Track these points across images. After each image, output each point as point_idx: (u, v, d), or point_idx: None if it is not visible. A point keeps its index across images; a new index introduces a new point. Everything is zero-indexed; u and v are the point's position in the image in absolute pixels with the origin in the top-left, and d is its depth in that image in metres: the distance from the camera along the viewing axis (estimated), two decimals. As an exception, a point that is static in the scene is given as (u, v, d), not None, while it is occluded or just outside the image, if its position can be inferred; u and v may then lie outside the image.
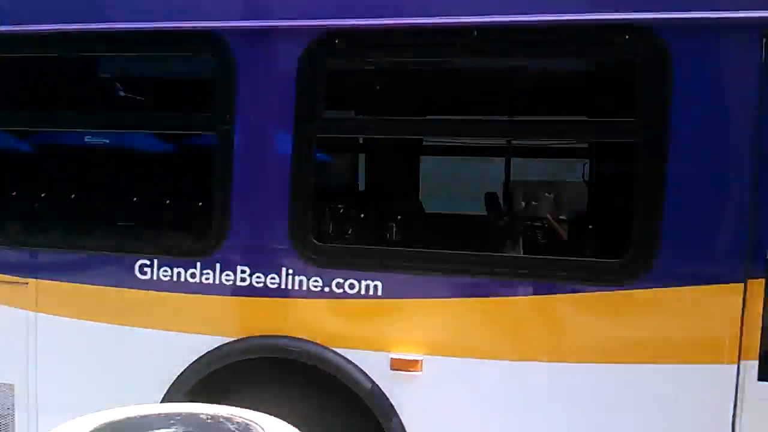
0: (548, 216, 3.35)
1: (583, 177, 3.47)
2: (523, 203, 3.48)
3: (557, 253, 3.03)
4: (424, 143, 3.56)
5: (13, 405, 3.33)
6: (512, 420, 2.81)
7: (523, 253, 3.14)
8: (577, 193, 3.37)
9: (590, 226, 3.25)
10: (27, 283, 3.27)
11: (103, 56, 3.28)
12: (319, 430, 2.94)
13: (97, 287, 3.20)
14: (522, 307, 2.78)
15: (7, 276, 3.29)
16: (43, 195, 3.48)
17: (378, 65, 3.03)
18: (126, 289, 3.16)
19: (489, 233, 3.27)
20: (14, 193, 3.38)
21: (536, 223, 3.47)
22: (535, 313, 2.78)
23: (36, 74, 3.36)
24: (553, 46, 2.70)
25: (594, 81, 3.05)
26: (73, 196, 3.45)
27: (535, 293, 2.78)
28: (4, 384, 3.34)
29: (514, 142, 3.31)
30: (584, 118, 3.26)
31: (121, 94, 3.52)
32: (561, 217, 3.33)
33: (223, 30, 2.98)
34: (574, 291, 2.73)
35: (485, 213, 3.57)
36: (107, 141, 3.62)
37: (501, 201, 3.75)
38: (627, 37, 2.63)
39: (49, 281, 3.25)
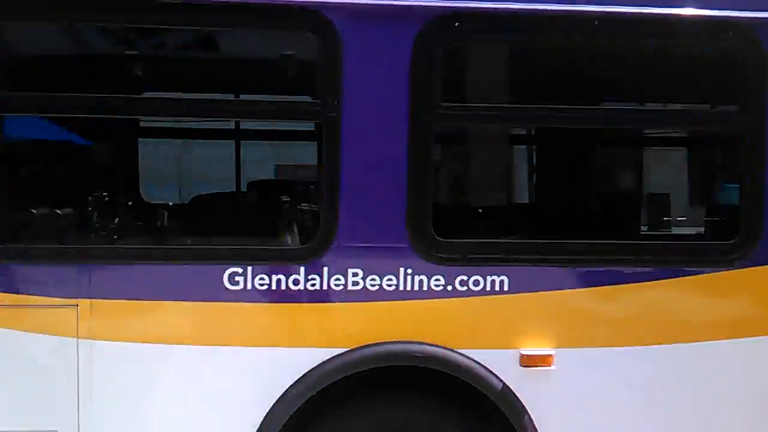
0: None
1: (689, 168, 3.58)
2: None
3: (678, 238, 3.11)
4: (543, 132, 3.46)
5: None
6: (648, 406, 2.83)
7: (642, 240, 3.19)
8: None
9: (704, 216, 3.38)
10: (76, 305, 2.69)
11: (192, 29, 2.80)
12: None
13: (171, 303, 2.72)
14: (650, 292, 2.83)
15: (48, 298, 2.68)
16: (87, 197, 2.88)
17: (498, 50, 2.91)
18: (207, 303, 2.73)
19: (609, 222, 3.27)
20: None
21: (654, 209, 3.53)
22: (664, 297, 2.84)
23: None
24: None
25: (703, 72, 3.18)
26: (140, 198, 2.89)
27: (659, 278, 2.84)
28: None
29: (629, 131, 3.32)
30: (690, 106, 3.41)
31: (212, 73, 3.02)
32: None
33: (328, 6, 2.70)
34: (695, 273, 2.83)
35: (602, 202, 3.57)
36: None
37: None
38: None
39: (106, 300, 2.70)
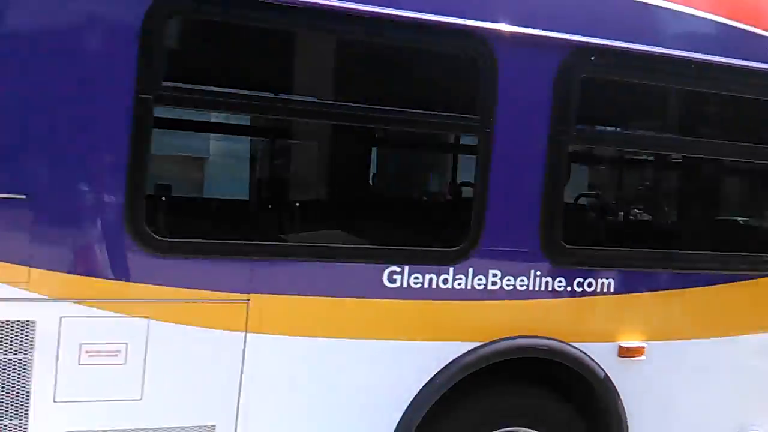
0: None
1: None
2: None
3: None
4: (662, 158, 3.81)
5: (212, 450, 2.73)
6: (723, 390, 3.38)
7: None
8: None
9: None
10: (248, 300, 2.71)
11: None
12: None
13: (333, 299, 2.84)
14: (728, 291, 3.38)
15: (218, 293, 2.68)
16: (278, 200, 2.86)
17: (626, 84, 3.28)
18: (368, 300, 2.87)
19: (700, 234, 3.73)
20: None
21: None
22: (738, 296, 3.40)
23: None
24: None
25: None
26: (310, 198, 2.89)
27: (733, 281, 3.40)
28: (204, 426, 2.72)
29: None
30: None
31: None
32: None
33: (487, 31, 2.93)
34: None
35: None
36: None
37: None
38: None
39: (274, 295, 2.75)
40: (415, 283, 2.92)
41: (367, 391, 2.91)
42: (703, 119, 3.47)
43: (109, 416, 2.60)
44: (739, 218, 3.70)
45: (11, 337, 2.48)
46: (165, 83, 2.58)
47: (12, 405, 2.51)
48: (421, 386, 2.95)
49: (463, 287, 2.99)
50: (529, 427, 3.18)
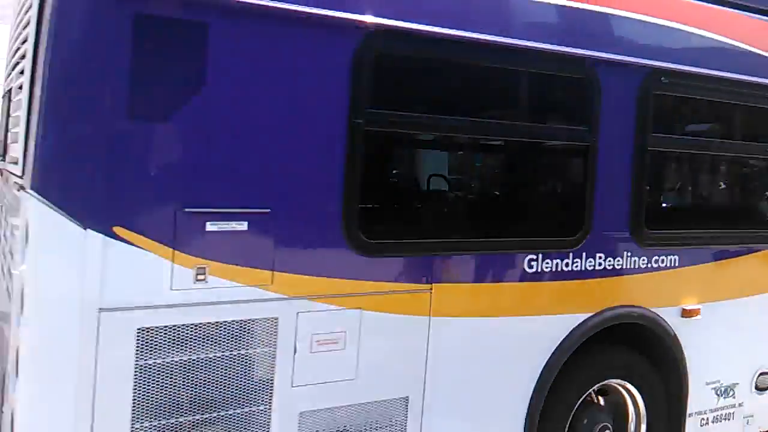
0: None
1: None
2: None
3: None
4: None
5: (406, 417, 3.21)
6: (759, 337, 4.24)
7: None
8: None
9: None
10: (431, 289, 3.21)
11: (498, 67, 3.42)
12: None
13: (492, 285, 3.40)
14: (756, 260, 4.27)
15: (401, 285, 3.15)
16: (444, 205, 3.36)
17: (689, 99, 4.06)
18: (516, 283, 3.46)
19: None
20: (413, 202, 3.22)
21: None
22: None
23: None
24: None
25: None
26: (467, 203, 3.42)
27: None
28: (401, 398, 3.19)
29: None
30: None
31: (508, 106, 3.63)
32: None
33: (591, 58, 3.58)
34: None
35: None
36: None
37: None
38: None
39: (450, 284, 3.27)
40: (546, 267, 3.54)
41: (517, 355, 3.50)
42: (742, 129, 4.35)
43: (331, 396, 3.03)
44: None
45: (259, 333, 2.86)
46: (369, 109, 3.02)
47: (259, 393, 2.88)
48: (553, 350, 3.58)
49: (579, 269, 3.64)
50: (623, 379, 3.91)
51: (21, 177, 2.69)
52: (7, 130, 3.28)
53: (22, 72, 2.96)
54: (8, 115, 3.28)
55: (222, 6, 2.72)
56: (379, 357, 3.13)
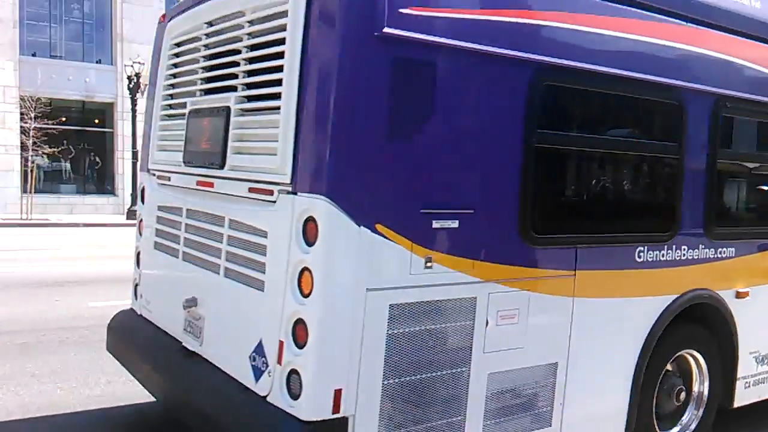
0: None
1: None
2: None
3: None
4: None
5: (555, 380, 3.98)
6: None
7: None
8: None
9: None
10: (574, 274, 3.99)
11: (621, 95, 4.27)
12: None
13: (616, 271, 4.22)
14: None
15: (555, 271, 3.93)
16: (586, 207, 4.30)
17: (748, 120, 5.03)
18: (631, 270, 4.30)
19: None
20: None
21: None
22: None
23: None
24: None
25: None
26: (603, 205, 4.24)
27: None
28: (547, 365, 3.96)
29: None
30: None
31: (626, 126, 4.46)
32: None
33: (678, 87, 4.44)
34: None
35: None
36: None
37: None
38: None
39: (588, 271, 4.07)
40: (649, 258, 4.39)
41: (629, 327, 4.35)
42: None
43: (509, 361, 3.78)
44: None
45: (463, 309, 3.59)
46: (538, 131, 3.78)
47: (464, 357, 3.61)
48: (653, 323, 4.44)
49: (670, 259, 4.51)
50: (693, 349, 4.81)
51: (289, 184, 3.33)
52: (226, 144, 3.86)
53: (247, 98, 3.75)
54: (226, 131, 3.85)
55: (444, 49, 3.43)
56: (538, 330, 3.90)
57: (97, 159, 28.49)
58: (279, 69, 3.47)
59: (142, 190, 5.18)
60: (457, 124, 3.52)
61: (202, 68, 4.36)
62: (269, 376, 3.39)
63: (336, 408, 3.20)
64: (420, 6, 3.31)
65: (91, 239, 18.40)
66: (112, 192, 28.15)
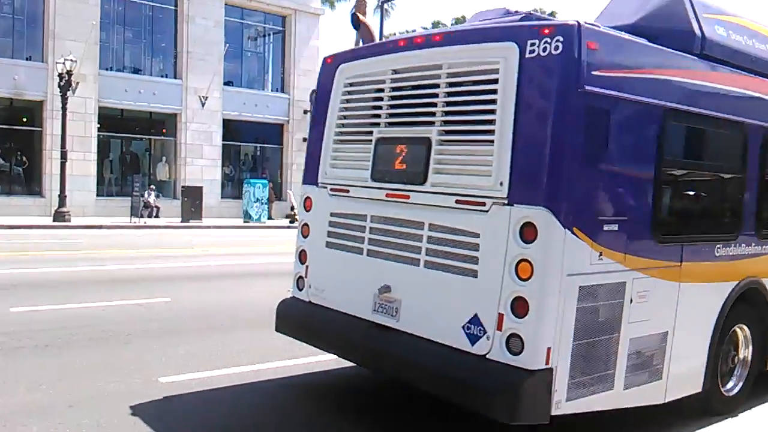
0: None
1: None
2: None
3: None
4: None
5: (666, 344, 5.29)
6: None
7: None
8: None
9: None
10: (680, 266, 5.31)
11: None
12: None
13: (706, 263, 5.57)
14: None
15: (671, 262, 5.24)
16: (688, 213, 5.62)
17: None
18: (713, 262, 5.64)
19: None
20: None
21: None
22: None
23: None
24: None
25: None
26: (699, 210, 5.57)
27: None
28: (662, 333, 5.26)
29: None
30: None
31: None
32: None
33: (743, 123, 5.82)
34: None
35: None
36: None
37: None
38: None
39: (690, 262, 5.39)
40: (718, 252, 5.76)
41: (710, 305, 5.70)
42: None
43: (640, 330, 5.04)
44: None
45: (618, 290, 4.86)
46: (665, 157, 5.09)
47: (617, 326, 4.87)
48: (724, 302, 5.80)
49: (734, 253, 5.89)
50: (744, 323, 6.20)
51: (505, 198, 4.53)
52: (427, 167, 5.02)
53: (481, 131, 4.83)
54: (427, 156, 5.03)
55: (615, 98, 4.69)
56: (658, 307, 5.20)
57: (25, 158, 27.51)
58: (488, 111, 4.67)
59: (306, 200, 6.23)
60: (621, 154, 4.79)
61: (389, 105, 5.50)
62: (488, 339, 4.57)
63: (547, 361, 4.42)
64: (604, 69, 4.57)
65: (13, 242, 17.64)
66: (39, 193, 27.08)
